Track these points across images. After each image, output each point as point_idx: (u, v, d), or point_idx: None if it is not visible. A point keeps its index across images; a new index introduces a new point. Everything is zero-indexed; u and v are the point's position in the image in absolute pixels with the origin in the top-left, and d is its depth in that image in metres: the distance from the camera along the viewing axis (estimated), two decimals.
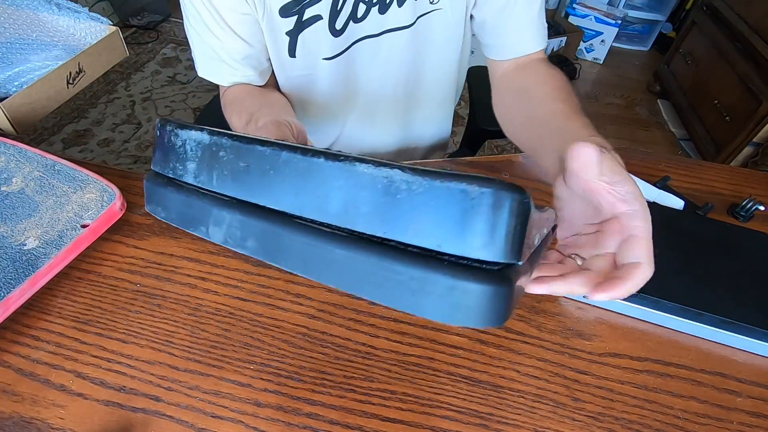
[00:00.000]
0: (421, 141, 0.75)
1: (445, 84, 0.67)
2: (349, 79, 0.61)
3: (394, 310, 0.45)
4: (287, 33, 0.54)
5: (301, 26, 0.53)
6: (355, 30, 0.55)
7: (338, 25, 0.54)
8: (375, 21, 0.55)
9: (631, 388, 0.41)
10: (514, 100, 0.55)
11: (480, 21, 0.58)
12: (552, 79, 0.52)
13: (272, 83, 0.63)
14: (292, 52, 0.56)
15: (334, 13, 0.53)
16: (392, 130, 0.70)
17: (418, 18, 0.56)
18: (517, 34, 0.56)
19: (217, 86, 0.61)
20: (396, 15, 0.55)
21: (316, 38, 0.55)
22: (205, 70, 0.57)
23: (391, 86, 0.63)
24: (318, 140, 0.71)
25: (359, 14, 0.54)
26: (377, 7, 0.53)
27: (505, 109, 0.57)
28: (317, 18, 0.53)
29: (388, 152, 0.74)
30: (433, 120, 0.72)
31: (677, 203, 0.55)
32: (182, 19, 0.56)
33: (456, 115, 0.77)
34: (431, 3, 0.55)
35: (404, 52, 0.59)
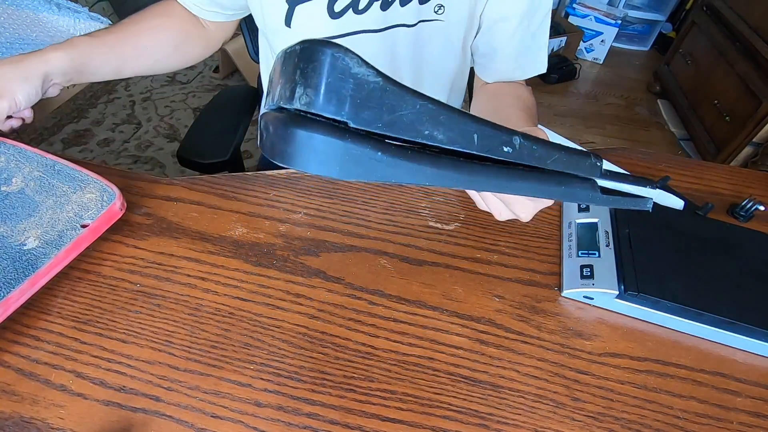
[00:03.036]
0: None
1: (439, 88, 0.69)
2: None
3: (394, 310, 0.45)
4: (287, 0, 0.54)
5: None
6: (355, 21, 0.56)
7: (337, 8, 0.55)
8: (376, 17, 0.55)
9: (631, 388, 0.41)
10: (487, 100, 0.63)
11: (476, 44, 0.61)
12: (523, 96, 0.61)
13: (215, 36, 0.66)
14: (287, 21, 0.56)
15: None
16: None
17: (419, 22, 0.56)
18: (507, 64, 0.61)
19: (217, 86, 0.61)
20: (398, 12, 0.55)
21: (312, 15, 0.55)
22: None
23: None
24: None
25: (360, 6, 0.54)
26: (379, 2, 0.54)
27: (476, 104, 0.65)
28: None
29: None
30: None
31: (677, 203, 0.55)
32: None
33: None
34: (435, 12, 0.56)
35: (406, 49, 0.60)
